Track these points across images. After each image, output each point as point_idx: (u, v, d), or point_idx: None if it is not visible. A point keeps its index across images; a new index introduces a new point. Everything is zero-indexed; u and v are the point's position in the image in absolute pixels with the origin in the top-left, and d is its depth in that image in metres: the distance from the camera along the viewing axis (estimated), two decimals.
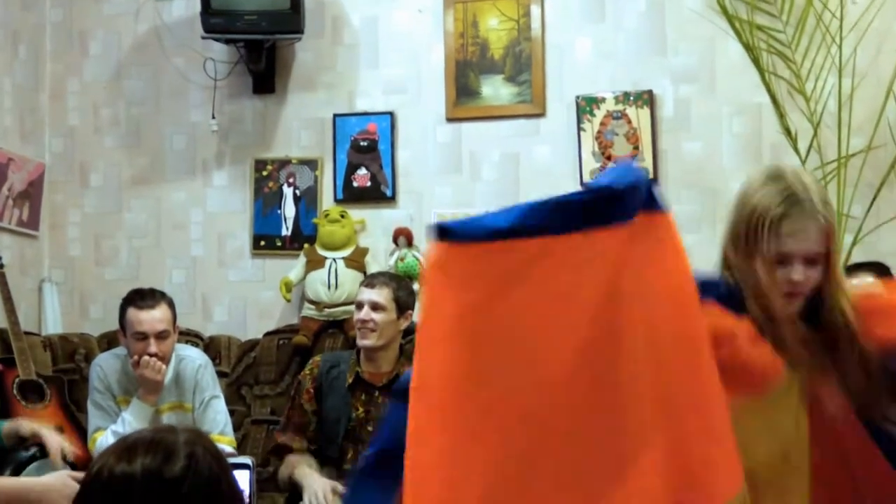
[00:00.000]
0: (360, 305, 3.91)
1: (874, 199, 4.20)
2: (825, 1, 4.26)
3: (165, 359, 3.96)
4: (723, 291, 2.31)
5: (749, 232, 2.31)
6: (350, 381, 3.91)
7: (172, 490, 1.59)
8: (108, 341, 4.84)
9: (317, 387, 3.93)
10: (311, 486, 3.65)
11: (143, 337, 3.90)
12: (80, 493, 1.65)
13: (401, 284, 4.02)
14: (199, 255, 5.14)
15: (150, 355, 3.88)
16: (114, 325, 4.99)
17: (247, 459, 3.08)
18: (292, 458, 3.85)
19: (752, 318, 2.27)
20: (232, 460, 3.01)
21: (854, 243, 4.16)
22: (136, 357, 3.90)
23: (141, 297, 3.98)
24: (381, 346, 3.90)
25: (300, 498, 3.66)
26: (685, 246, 4.62)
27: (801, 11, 4.30)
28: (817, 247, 2.27)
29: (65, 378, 4.56)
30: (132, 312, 3.93)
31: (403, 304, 3.95)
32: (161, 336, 3.92)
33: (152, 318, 3.91)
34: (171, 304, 4.03)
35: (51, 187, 5.26)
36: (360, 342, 3.89)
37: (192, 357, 4.15)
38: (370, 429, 3.82)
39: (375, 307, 3.86)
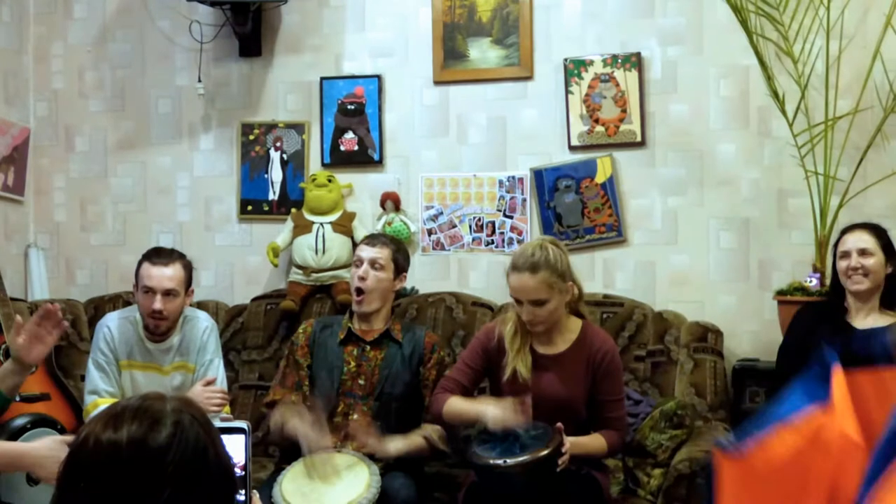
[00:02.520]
0: (359, 262, 3.94)
1: (861, 161, 4.20)
2: None
3: (170, 319, 3.99)
4: None
5: None
6: (342, 336, 3.95)
7: (158, 458, 1.58)
8: (95, 306, 4.85)
9: (310, 343, 3.98)
10: (307, 436, 3.67)
11: (150, 291, 3.93)
12: (67, 461, 1.64)
13: (399, 247, 4.06)
14: (185, 220, 5.13)
15: (154, 311, 3.91)
16: (100, 290, 5.04)
17: (242, 424, 3.07)
18: (283, 409, 3.82)
19: None
20: (227, 424, 3.02)
21: (840, 205, 4.17)
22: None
23: (157, 254, 4.02)
24: (376, 309, 3.94)
25: (292, 455, 3.68)
26: (671, 209, 4.67)
27: None
28: None
29: None
30: (145, 267, 3.97)
31: (400, 266, 4.01)
32: (168, 294, 3.94)
33: (162, 274, 3.94)
34: (187, 267, 4.05)
35: (35, 152, 5.23)
36: (357, 308, 3.93)
37: (200, 319, 4.17)
38: (361, 382, 3.89)
39: (374, 264, 3.90)
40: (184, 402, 1.67)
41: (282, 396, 3.90)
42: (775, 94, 4.22)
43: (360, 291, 3.92)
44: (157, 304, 3.92)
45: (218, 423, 1.96)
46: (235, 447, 2.70)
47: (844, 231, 3.81)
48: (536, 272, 3.50)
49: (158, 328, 3.99)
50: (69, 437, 3.26)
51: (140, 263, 4.00)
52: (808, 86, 4.24)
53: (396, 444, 3.72)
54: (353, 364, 3.91)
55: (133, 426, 1.60)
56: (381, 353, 3.93)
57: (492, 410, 3.46)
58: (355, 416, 3.84)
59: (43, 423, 3.87)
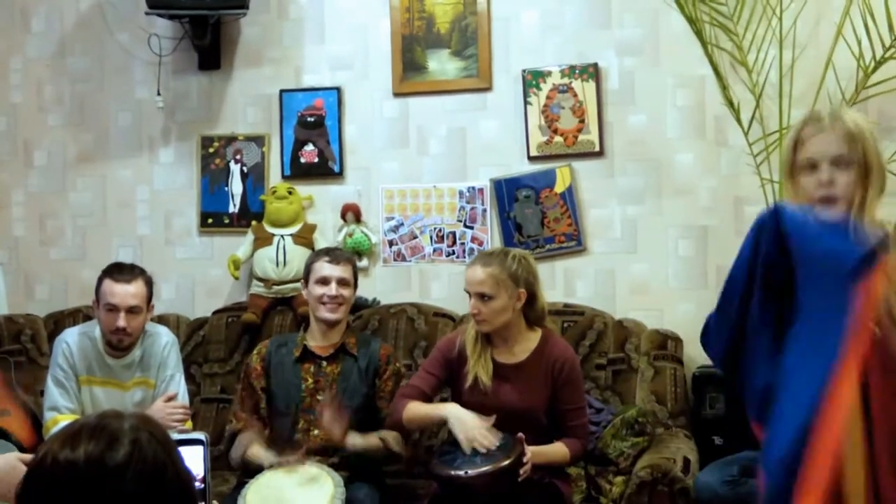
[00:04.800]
0: (326, 281, 3.95)
1: None
2: None
3: (134, 335, 3.98)
4: None
5: (786, 156, 2.47)
6: (297, 354, 3.97)
7: (115, 477, 1.57)
8: (55, 321, 4.82)
9: (265, 365, 4.00)
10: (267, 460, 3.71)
11: (114, 309, 3.90)
12: (25, 481, 1.63)
13: (353, 261, 4.11)
14: (145, 234, 5.11)
15: (118, 328, 3.89)
16: (59, 305, 5.00)
17: (200, 435, 3.08)
18: (243, 437, 3.88)
19: None
20: (185, 436, 3.02)
21: None
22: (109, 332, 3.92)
23: (119, 270, 3.98)
24: (342, 320, 4.00)
25: (252, 475, 3.68)
26: (630, 217, 4.69)
27: None
28: (840, 150, 2.37)
29: (11, 360, 4.53)
30: (107, 283, 3.94)
31: (357, 279, 4.08)
32: (132, 311, 3.93)
33: (125, 291, 3.92)
34: (149, 283, 4.04)
35: None
36: (329, 316, 3.93)
37: (160, 334, 4.15)
38: (320, 398, 3.90)
39: (342, 283, 3.93)
40: (142, 420, 1.67)
41: (244, 424, 3.91)
42: (731, 104, 4.28)
43: (331, 306, 3.95)
44: (121, 321, 3.90)
45: (175, 436, 1.96)
46: (194, 459, 2.71)
47: None
48: (487, 266, 3.61)
49: (122, 344, 3.97)
50: (26, 456, 3.23)
51: (101, 280, 3.97)
52: (763, 95, 4.30)
53: (355, 440, 3.76)
54: (310, 381, 3.94)
55: (90, 445, 1.59)
56: (338, 367, 3.96)
57: (456, 413, 3.50)
58: (316, 433, 3.85)
59: None
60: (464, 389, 3.65)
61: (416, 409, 3.66)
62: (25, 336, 4.76)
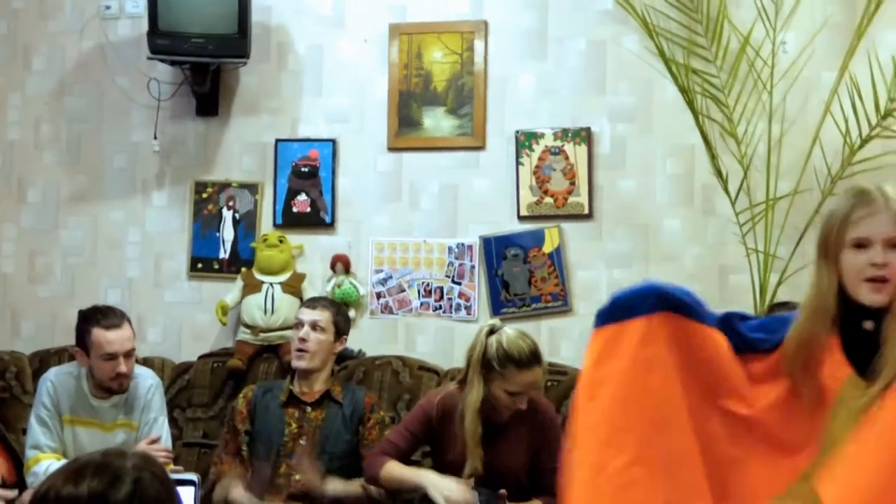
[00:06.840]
0: (299, 325, 4.03)
1: (799, 240, 4.31)
2: (758, 48, 4.41)
3: (131, 375, 3.97)
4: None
5: (829, 233, 2.42)
6: (283, 399, 4.00)
7: None
8: (40, 359, 4.81)
9: (251, 409, 4.03)
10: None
11: (113, 357, 3.88)
12: None
13: (339, 310, 4.17)
14: (135, 276, 5.12)
15: (119, 374, 3.88)
16: (45, 343, 4.99)
17: (192, 476, 3.12)
18: (225, 480, 3.90)
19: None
20: (177, 476, 3.05)
21: (779, 283, 4.28)
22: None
23: (104, 316, 3.92)
24: (315, 368, 4.02)
25: None
26: (617, 281, 4.74)
27: (734, 57, 4.44)
28: (894, 232, 2.35)
29: None
30: (98, 333, 3.87)
31: (341, 328, 4.12)
32: (129, 354, 3.92)
33: (121, 337, 3.89)
34: (129, 320, 4.02)
35: None
36: (296, 363, 4.01)
37: (145, 376, 4.13)
38: (302, 443, 3.94)
39: (315, 327, 3.99)
40: (144, 460, 1.70)
41: (226, 468, 3.94)
42: (719, 174, 4.35)
43: (301, 352, 3.99)
44: (123, 367, 3.88)
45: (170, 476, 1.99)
46: (185, 499, 2.75)
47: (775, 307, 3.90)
48: (541, 362, 3.58)
49: (122, 387, 3.96)
50: (8, 493, 3.24)
51: (88, 329, 3.90)
52: (751, 166, 4.38)
53: (335, 485, 3.78)
54: (294, 426, 3.96)
55: (94, 482, 1.62)
56: (322, 413, 3.99)
57: (434, 481, 3.49)
58: (297, 477, 3.86)
59: None
60: (445, 448, 3.66)
61: (394, 470, 3.63)
62: (10, 373, 4.76)
